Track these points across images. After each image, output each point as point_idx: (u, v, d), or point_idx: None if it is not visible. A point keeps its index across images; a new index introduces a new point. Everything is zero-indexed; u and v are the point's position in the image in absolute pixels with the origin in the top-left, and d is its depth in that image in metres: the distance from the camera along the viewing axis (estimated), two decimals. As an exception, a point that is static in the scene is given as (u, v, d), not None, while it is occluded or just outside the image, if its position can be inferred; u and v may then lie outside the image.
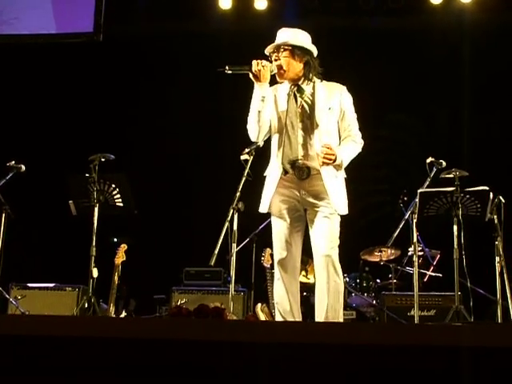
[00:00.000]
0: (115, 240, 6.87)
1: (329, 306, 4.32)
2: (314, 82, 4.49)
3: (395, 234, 5.65)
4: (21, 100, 8.36)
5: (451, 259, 5.48)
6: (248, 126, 4.50)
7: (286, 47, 4.43)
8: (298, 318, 4.48)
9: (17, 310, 6.14)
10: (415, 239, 5.70)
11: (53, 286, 6.76)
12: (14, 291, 6.61)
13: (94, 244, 5.59)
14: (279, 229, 4.46)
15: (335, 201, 4.36)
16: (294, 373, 2.01)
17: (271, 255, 5.26)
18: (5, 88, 8.15)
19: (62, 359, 2.13)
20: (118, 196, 5.69)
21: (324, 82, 4.54)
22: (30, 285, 6.76)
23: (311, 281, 7.13)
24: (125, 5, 8.15)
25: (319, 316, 4.33)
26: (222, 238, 4.83)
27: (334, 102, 4.45)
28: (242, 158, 5.03)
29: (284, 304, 4.40)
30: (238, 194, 4.94)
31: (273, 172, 4.46)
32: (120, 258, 6.45)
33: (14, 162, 6.09)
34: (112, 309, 6.24)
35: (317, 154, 4.33)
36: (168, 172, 8.27)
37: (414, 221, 5.58)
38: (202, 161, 8.22)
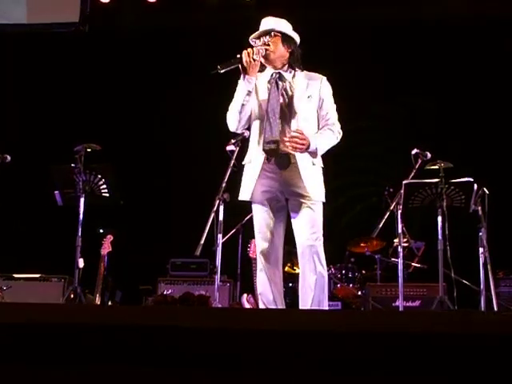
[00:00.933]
0: (101, 231, 6.87)
1: (314, 297, 4.32)
2: (294, 71, 4.51)
3: (380, 225, 5.65)
4: (6, 90, 8.33)
5: (436, 250, 5.51)
6: (228, 116, 4.48)
7: (277, 33, 4.45)
8: (282, 308, 4.49)
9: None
10: (400, 230, 5.74)
11: (38, 276, 6.76)
12: (-1, 281, 6.61)
13: (79, 234, 5.58)
14: (261, 219, 4.42)
15: (312, 189, 4.33)
16: (278, 360, 2.03)
17: (256, 247, 5.27)
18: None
19: (47, 347, 2.14)
20: (104, 186, 5.68)
21: (305, 71, 4.55)
22: (15, 275, 6.75)
23: (297, 271, 7.16)
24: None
25: (304, 307, 4.34)
26: (207, 228, 4.86)
27: (314, 91, 4.46)
28: (228, 148, 5.05)
29: (267, 294, 4.38)
30: (223, 184, 4.97)
31: (254, 159, 4.40)
32: (106, 248, 6.47)
33: (-1, 152, 6.06)
34: (98, 300, 6.25)
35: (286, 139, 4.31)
36: (154, 162, 8.27)
37: (399, 212, 5.62)
38: (189, 151, 8.21)
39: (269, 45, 4.42)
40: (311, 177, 4.35)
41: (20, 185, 7.83)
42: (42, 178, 6.46)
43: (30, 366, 2.13)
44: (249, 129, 4.57)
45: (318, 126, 4.49)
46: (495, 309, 5.53)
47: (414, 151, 5.70)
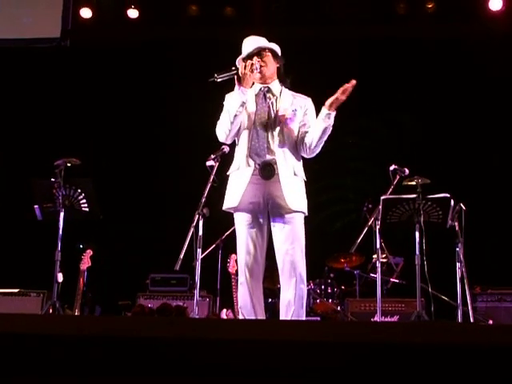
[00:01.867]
0: (81, 246, 6.85)
1: (293, 312, 4.33)
2: (282, 87, 4.61)
3: (358, 240, 5.71)
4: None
5: (414, 266, 5.55)
6: (219, 126, 4.51)
7: (268, 50, 4.56)
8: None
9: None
10: (378, 245, 5.78)
11: (17, 291, 6.72)
12: (-23, 296, 6.56)
13: (59, 248, 5.56)
14: (245, 230, 4.44)
15: (293, 200, 4.37)
16: (256, 369, 2.05)
17: (236, 261, 5.29)
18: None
19: (25, 358, 2.15)
20: (84, 201, 5.67)
21: (291, 91, 4.64)
22: (-7, 290, 6.71)
23: (279, 287, 7.19)
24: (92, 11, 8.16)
25: None
26: (187, 243, 4.87)
27: (298, 108, 4.55)
28: (208, 164, 5.07)
29: (248, 308, 4.38)
30: (203, 199, 4.98)
31: (243, 167, 4.44)
32: (85, 263, 6.44)
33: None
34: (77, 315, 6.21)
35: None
36: (134, 177, 8.28)
37: (377, 227, 5.66)
38: (168, 166, 8.23)
39: (264, 61, 4.53)
40: (292, 188, 4.40)
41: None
42: (21, 192, 6.45)
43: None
44: (233, 143, 4.62)
45: (297, 140, 4.53)
46: (472, 323, 5.57)
47: (392, 167, 5.76)
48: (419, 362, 2.07)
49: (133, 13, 8.11)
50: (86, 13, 7.98)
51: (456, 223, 5.59)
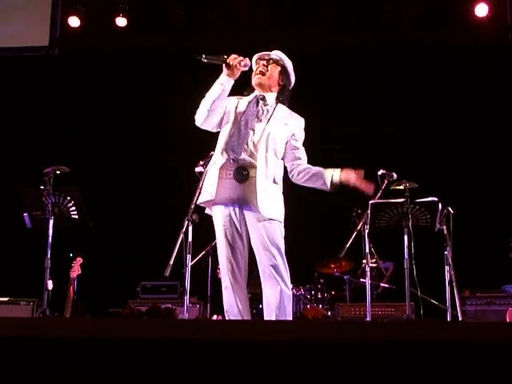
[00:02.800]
0: (71, 255, 6.85)
1: (278, 317, 4.25)
2: (278, 102, 4.56)
3: (347, 245, 5.74)
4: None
5: (403, 270, 5.58)
6: (199, 108, 4.41)
7: (280, 62, 4.57)
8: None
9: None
10: (367, 249, 5.81)
11: (6, 299, 6.71)
12: (-34, 305, 6.54)
13: (48, 256, 5.56)
14: (226, 230, 4.37)
15: (267, 207, 4.28)
16: (244, 369, 2.07)
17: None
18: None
19: (13, 361, 2.16)
20: (73, 208, 5.68)
21: (286, 108, 4.60)
22: (-17, 299, 6.69)
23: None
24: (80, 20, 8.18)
25: None
26: (176, 249, 4.87)
27: (291, 123, 4.52)
28: (197, 170, 5.08)
29: (234, 312, 4.31)
30: (192, 205, 4.98)
31: (218, 162, 4.38)
32: (75, 271, 6.44)
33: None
34: (67, 323, 6.20)
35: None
36: (123, 185, 8.29)
37: (366, 232, 5.69)
38: (157, 173, 8.25)
39: (267, 66, 4.52)
40: (268, 195, 4.31)
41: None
42: (10, 200, 6.45)
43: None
44: (213, 138, 4.58)
45: (283, 157, 4.49)
46: (461, 327, 5.59)
47: (380, 172, 5.80)
48: (409, 360, 2.09)
49: (121, 21, 8.11)
50: (74, 21, 7.99)
51: (444, 227, 5.63)
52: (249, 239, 4.39)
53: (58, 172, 5.65)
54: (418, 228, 5.53)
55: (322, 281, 7.60)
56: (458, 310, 5.69)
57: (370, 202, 5.58)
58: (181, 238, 4.95)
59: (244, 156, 4.33)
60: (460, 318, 5.59)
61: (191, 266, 5.12)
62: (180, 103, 7.73)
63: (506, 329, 2.14)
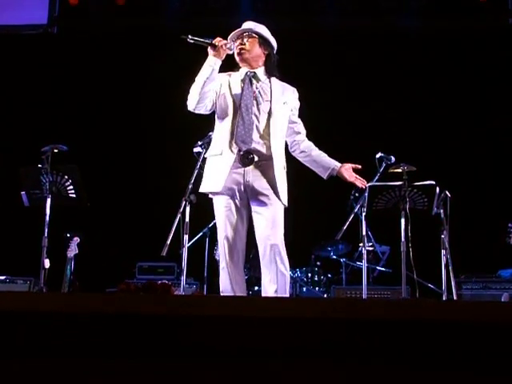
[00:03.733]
0: (68, 235, 6.84)
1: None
2: (270, 75, 4.58)
3: (344, 227, 5.74)
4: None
5: (400, 254, 5.58)
6: (190, 93, 4.44)
7: (253, 34, 4.52)
8: None
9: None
10: (364, 232, 5.82)
11: (3, 278, 6.72)
12: (-38, 284, 6.56)
13: (46, 235, 5.56)
14: (225, 216, 4.41)
15: (281, 191, 4.38)
16: (242, 345, 2.08)
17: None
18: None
19: (10, 335, 2.16)
20: (71, 187, 5.67)
21: (278, 80, 4.62)
22: (-20, 278, 6.71)
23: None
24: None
25: None
26: (173, 229, 4.88)
27: (288, 98, 4.56)
28: (195, 150, 5.08)
29: (229, 292, 4.34)
30: (190, 186, 4.98)
31: (226, 152, 4.40)
32: (72, 250, 6.44)
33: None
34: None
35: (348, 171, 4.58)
36: (121, 164, 8.28)
37: (364, 214, 5.70)
38: (155, 153, 8.24)
39: (244, 44, 4.48)
40: (282, 180, 4.41)
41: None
42: (7, 179, 6.44)
43: None
44: (213, 121, 4.60)
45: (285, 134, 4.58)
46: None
47: (379, 155, 5.80)
48: (404, 338, 2.10)
49: None
50: (73, -1, 7.96)
51: (441, 210, 5.63)
52: (249, 221, 4.45)
53: (55, 151, 5.64)
54: (415, 211, 5.53)
55: (318, 263, 7.62)
56: (454, 294, 5.71)
57: (368, 184, 5.58)
58: (178, 218, 4.96)
59: (255, 145, 4.37)
60: (455, 302, 5.60)
61: (188, 247, 5.14)
62: (179, 82, 7.69)
63: (501, 309, 2.15)
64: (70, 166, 5.76)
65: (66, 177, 5.64)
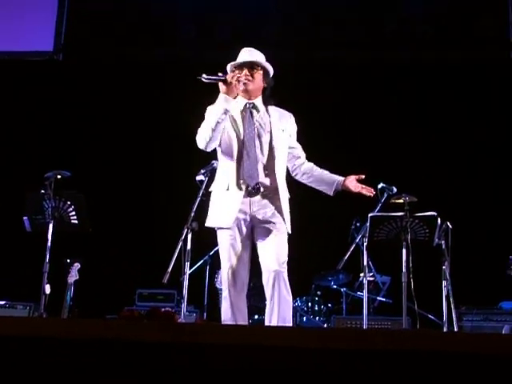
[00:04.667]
0: (68, 261, 6.83)
1: (279, 321, 4.34)
2: (267, 104, 4.64)
3: (345, 257, 5.75)
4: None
5: (401, 284, 5.58)
6: (200, 132, 4.46)
7: (260, 67, 4.57)
8: None
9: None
10: (365, 262, 5.82)
11: (3, 303, 6.70)
12: (-37, 308, 6.54)
13: (47, 260, 5.56)
14: (229, 245, 4.45)
15: (287, 219, 4.46)
16: (240, 374, 2.08)
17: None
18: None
19: (12, 360, 2.16)
20: (74, 213, 5.69)
21: (273, 106, 4.68)
22: (-20, 302, 6.68)
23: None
24: (86, 27, 8.22)
25: None
26: (175, 256, 4.89)
27: (286, 125, 4.63)
28: (198, 178, 5.10)
29: (230, 322, 4.34)
30: (192, 213, 5.00)
31: (233, 189, 4.44)
32: (73, 276, 6.43)
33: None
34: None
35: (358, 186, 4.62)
36: (124, 191, 8.30)
37: (365, 244, 5.70)
38: (157, 181, 8.26)
39: (251, 76, 4.52)
40: (285, 207, 4.47)
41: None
42: (10, 204, 6.45)
43: None
44: (215, 151, 4.64)
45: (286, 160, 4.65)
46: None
47: (380, 185, 5.80)
48: (407, 368, 2.10)
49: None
50: (79, 27, 8.03)
51: (443, 241, 5.63)
52: (252, 250, 4.50)
53: (58, 176, 5.66)
54: (416, 242, 5.54)
55: (318, 293, 7.61)
56: (455, 325, 5.69)
57: (370, 215, 5.60)
58: (180, 246, 4.97)
59: (261, 179, 4.45)
60: (456, 333, 5.58)
61: (189, 275, 5.14)
62: (184, 110, 7.76)
63: (502, 340, 2.16)
64: (73, 191, 5.78)
65: (69, 203, 5.66)
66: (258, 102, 4.62)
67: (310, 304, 7.39)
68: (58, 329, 2.11)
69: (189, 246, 5.05)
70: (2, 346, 2.17)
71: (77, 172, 5.96)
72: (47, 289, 5.57)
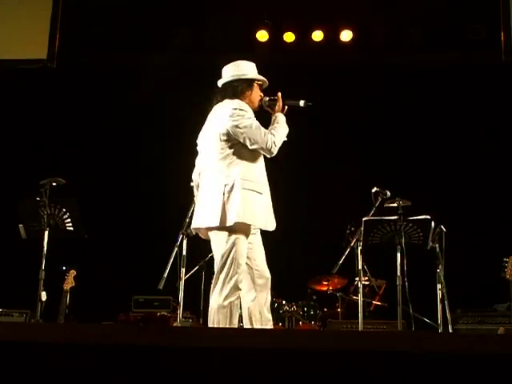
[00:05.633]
0: (64, 268, 6.84)
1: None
2: None
3: (340, 262, 5.76)
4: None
5: (396, 288, 5.60)
6: (277, 143, 4.62)
7: None
8: None
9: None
10: (360, 266, 5.83)
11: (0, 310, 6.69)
12: (-41, 317, 6.52)
13: (43, 267, 5.56)
14: (244, 250, 4.55)
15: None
16: (236, 376, 2.10)
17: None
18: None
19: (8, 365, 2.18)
20: (69, 220, 5.69)
21: None
22: (-24, 310, 6.67)
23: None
24: (79, 34, 8.23)
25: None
26: (171, 262, 4.92)
27: None
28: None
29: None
30: (187, 219, 5.03)
31: (265, 193, 4.63)
32: (69, 283, 6.43)
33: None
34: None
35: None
36: (119, 198, 8.31)
37: (359, 248, 5.72)
38: (153, 187, 8.28)
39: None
40: None
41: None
42: (5, 212, 6.45)
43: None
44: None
45: None
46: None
47: (374, 189, 5.82)
48: (404, 369, 2.12)
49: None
50: (73, 35, 8.04)
51: (437, 245, 5.66)
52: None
53: (53, 184, 5.67)
54: (410, 246, 5.56)
55: (314, 297, 7.62)
56: (450, 328, 5.71)
57: (364, 219, 5.62)
58: (175, 252, 4.99)
59: None
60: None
61: (185, 280, 5.16)
62: (177, 115, 7.80)
63: (496, 341, 2.18)
64: (69, 199, 5.78)
65: (64, 210, 5.66)
66: None
67: (305, 309, 7.40)
68: (54, 334, 2.13)
69: (184, 252, 5.08)
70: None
71: (72, 179, 5.96)
72: (43, 296, 5.57)
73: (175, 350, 2.10)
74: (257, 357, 2.12)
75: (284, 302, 7.24)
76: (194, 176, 4.83)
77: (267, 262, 4.66)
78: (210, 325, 4.41)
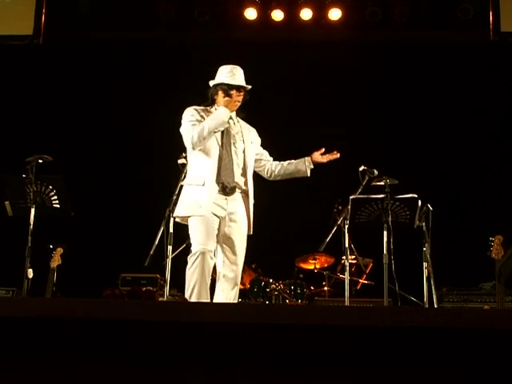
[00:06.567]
0: (51, 246, 6.82)
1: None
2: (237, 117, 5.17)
3: (327, 240, 5.77)
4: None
5: (383, 267, 5.61)
6: (197, 133, 4.84)
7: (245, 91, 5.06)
8: None
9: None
10: (347, 244, 5.84)
11: (-15, 288, 6.69)
12: None
13: (29, 245, 5.54)
14: (207, 227, 4.82)
15: (251, 222, 5.00)
16: (221, 350, 2.10)
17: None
18: None
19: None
20: (55, 197, 5.66)
21: (241, 119, 5.21)
22: (-38, 288, 6.66)
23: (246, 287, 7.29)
24: (65, 10, 8.16)
25: None
26: (157, 239, 4.92)
27: (253, 138, 5.22)
28: (180, 161, 5.14)
29: None
30: (174, 197, 5.03)
31: (209, 185, 4.84)
32: (56, 261, 6.42)
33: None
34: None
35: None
36: (106, 175, 8.30)
37: (346, 226, 5.73)
38: (139, 164, 8.26)
39: (239, 100, 5.03)
40: (251, 211, 5.00)
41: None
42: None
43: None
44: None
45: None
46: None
47: (362, 168, 5.82)
48: (392, 343, 2.13)
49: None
50: (60, 10, 7.97)
51: (423, 224, 5.67)
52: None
53: (40, 161, 5.63)
54: (397, 224, 5.56)
55: (301, 276, 7.65)
56: (435, 305, 5.74)
57: (351, 197, 5.62)
58: (162, 229, 4.98)
59: (236, 179, 4.95)
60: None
61: (171, 259, 5.16)
62: (166, 96, 7.76)
63: (480, 315, 2.19)
64: (55, 176, 5.75)
65: (51, 187, 5.63)
66: (233, 114, 5.09)
67: (292, 287, 7.43)
68: (40, 308, 2.13)
69: (171, 230, 5.07)
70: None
71: (59, 156, 5.93)
72: (30, 273, 5.56)
73: (161, 325, 2.10)
74: (243, 330, 2.12)
75: (271, 280, 7.28)
76: None
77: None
78: None
